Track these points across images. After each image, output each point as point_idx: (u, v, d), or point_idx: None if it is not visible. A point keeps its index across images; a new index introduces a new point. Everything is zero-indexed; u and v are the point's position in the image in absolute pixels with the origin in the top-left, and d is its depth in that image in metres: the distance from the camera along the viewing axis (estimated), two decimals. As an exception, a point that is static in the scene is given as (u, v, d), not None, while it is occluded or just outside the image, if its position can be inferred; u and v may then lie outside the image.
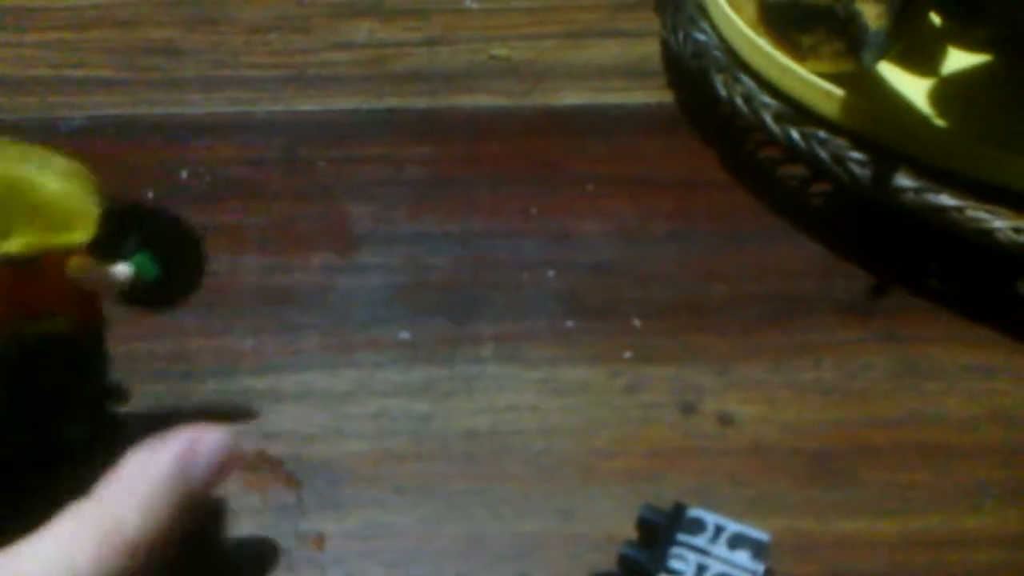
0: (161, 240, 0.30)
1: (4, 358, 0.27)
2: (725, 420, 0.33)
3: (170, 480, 0.25)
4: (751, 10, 0.42)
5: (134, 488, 0.25)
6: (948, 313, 0.36)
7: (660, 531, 0.28)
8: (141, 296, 0.30)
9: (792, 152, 0.38)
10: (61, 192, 0.28)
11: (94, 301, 0.29)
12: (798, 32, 0.40)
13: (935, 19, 0.44)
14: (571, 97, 0.46)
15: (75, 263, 0.28)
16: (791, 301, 0.37)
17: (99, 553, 0.23)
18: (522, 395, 0.34)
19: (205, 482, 0.26)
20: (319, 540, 0.30)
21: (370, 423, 0.33)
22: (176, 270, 0.31)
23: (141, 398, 0.33)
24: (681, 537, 0.28)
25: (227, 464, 0.27)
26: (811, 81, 0.38)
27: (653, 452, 0.32)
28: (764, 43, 0.40)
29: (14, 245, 0.27)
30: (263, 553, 0.29)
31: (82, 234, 0.28)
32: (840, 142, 0.37)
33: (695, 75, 0.42)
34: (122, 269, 0.29)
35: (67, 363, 0.28)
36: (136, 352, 0.33)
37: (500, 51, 0.48)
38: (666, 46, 0.48)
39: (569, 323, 0.36)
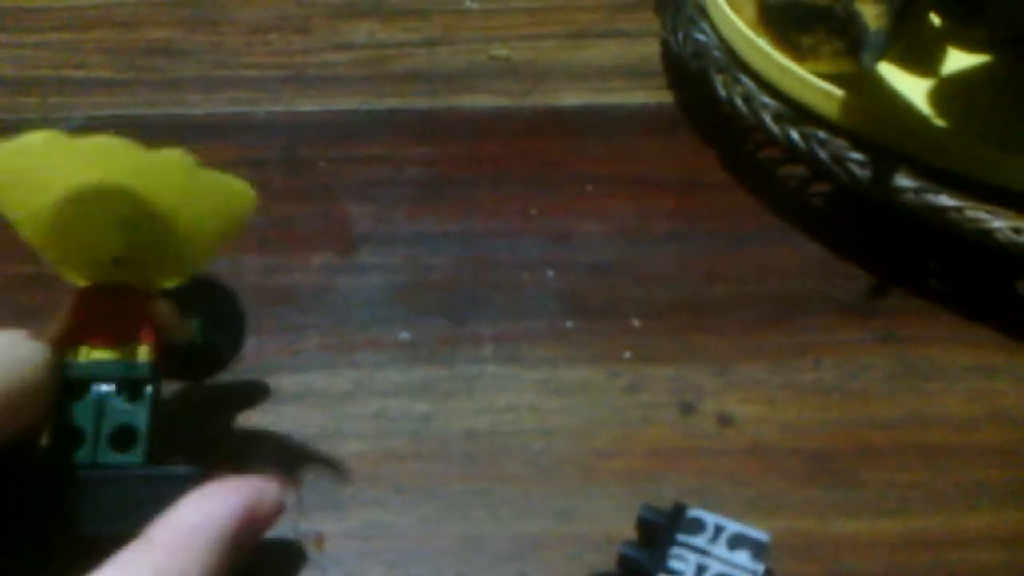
0: (212, 309, 0.31)
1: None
2: (725, 420, 0.33)
3: (236, 536, 0.24)
4: (751, 10, 0.42)
5: (195, 539, 0.24)
6: (948, 313, 0.36)
7: (660, 531, 0.28)
8: (185, 359, 0.30)
9: (792, 152, 0.38)
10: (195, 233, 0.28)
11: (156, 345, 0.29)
12: (798, 32, 0.40)
13: (935, 19, 0.44)
14: (571, 97, 0.46)
15: (160, 305, 0.29)
16: (791, 301, 0.37)
17: None
18: (522, 395, 0.34)
19: (259, 537, 0.26)
20: (319, 540, 0.30)
21: (370, 423, 0.33)
22: (219, 340, 0.31)
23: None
24: (681, 537, 0.28)
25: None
26: (811, 81, 0.38)
27: (653, 452, 0.32)
28: (764, 43, 0.40)
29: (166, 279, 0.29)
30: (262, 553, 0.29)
31: (177, 280, 0.29)
32: (840, 142, 0.37)
33: (695, 75, 0.42)
34: (189, 324, 0.30)
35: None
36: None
37: (500, 51, 0.48)
38: (666, 46, 0.48)
39: (569, 323, 0.36)
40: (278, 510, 0.26)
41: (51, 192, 0.27)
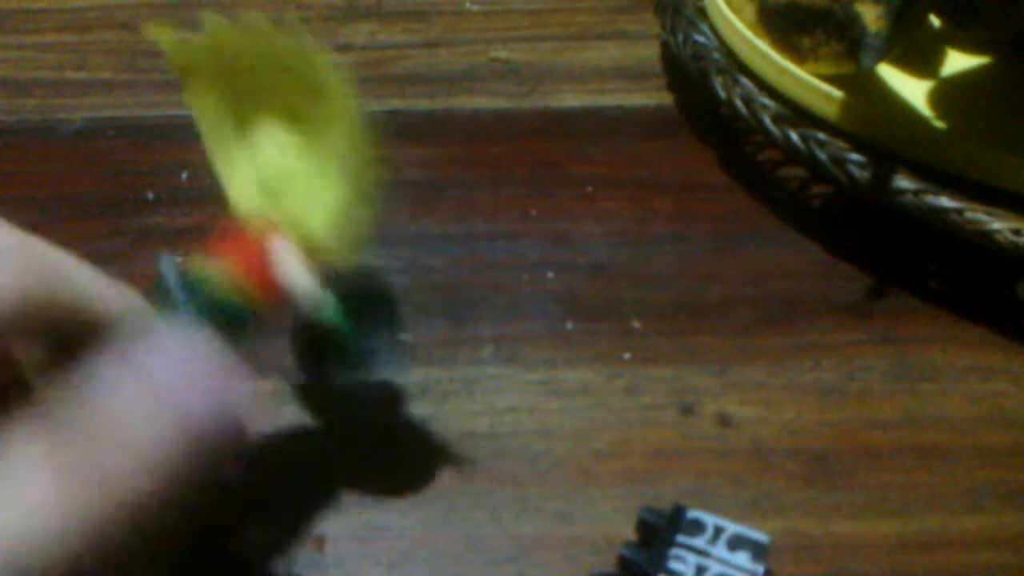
0: (370, 308, 0.28)
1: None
2: (724, 421, 0.33)
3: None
4: (750, 12, 0.42)
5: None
6: (947, 314, 0.36)
7: (659, 532, 0.28)
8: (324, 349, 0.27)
9: (791, 154, 0.38)
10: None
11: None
12: (797, 34, 0.40)
13: (934, 21, 0.44)
14: (571, 99, 0.46)
15: (281, 244, 0.26)
16: (790, 302, 0.37)
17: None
18: (521, 396, 0.34)
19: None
20: (319, 541, 0.30)
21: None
22: (369, 343, 0.28)
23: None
24: (680, 538, 0.28)
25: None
26: (810, 83, 0.38)
27: (652, 453, 0.32)
28: (763, 45, 0.40)
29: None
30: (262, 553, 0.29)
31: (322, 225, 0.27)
32: (839, 144, 0.37)
33: (694, 77, 0.43)
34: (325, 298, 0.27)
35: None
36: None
37: (500, 53, 0.48)
38: (665, 48, 0.48)
39: (568, 324, 0.36)
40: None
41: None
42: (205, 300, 0.25)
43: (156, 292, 0.26)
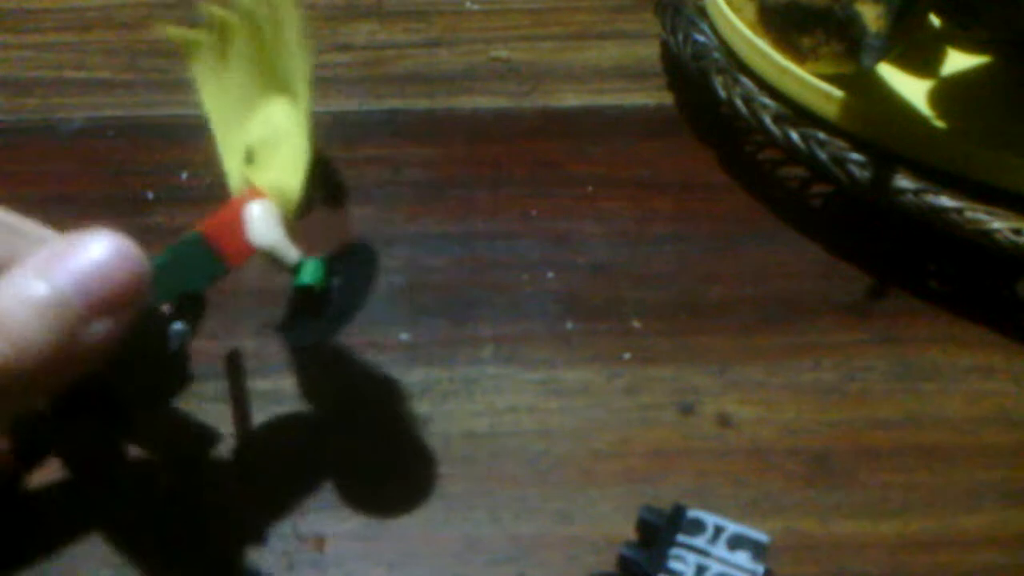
0: (345, 264, 0.29)
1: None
2: (724, 421, 0.33)
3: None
4: (751, 11, 0.42)
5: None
6: (947, 314, 0.36)
7: (660, 532, 0.28)
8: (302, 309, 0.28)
9: (791, 153, 0.38)
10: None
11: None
12: (798, 34, 0.40)
13: (934, 21, 0.44)
14: (571, 98, 0.46)
15: (255, 207, 0.28)
16: (790, 302, 0.37)
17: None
18: (521, 396, 0.34)
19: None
20: (319, 541, 0.30)
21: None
22: (347, 293, 0.29)
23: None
24: (681, 538, 0.28)
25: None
26: (811, 83, 0.38)
27: (652, 453, 0.32)
28: (764, 44, 0.40)
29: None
30: (263, 554, 0.29)
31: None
32: (839, 143, 0.37)
33: (695, 76, 0.42)
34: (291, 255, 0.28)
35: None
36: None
37: (500, 52, 0.48)
38: (665, 47, 0.48)
39: (568, 324, 0.36)
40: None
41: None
42: (175, 253, 0.27)
43: None
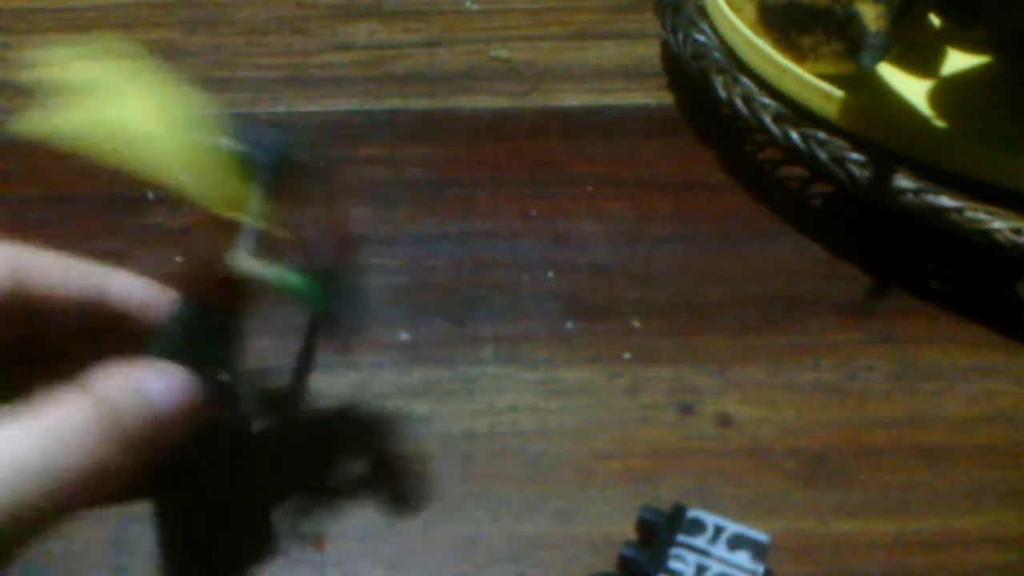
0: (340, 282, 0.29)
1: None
2: (724, 421, 0.33)
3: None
4: (751, 11, 0.42)
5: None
6: (947, 314, 0.36)
7: (660, 532, 0.28)
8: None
9: (792, 153, 0.38)
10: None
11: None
12: (798, 33, 0.40)
13: (934, 20, 0.44)
14: (571, 98, 0.46)
15: (199, 231, 0.27)
16: (790, 302, 0.37)
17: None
18: (521, 396, 0.34)
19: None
20: (319, 541, 0.30)
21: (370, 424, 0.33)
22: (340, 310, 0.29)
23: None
24: (681, 538, 0.28)
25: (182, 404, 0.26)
26: (810, 82, 0.38)
27: (652, 453, 0.32)
28: (764, 44, 0.40)
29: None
30: (263, 553, 0.29)
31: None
32: (839, 143, 0.37)
33: (695, 76, 0.43)
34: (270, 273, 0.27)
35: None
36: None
37: (500, 52, 0.48)
38: (666, 47, 0.48)
39: (568, 324, 0.36)
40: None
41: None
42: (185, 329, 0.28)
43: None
